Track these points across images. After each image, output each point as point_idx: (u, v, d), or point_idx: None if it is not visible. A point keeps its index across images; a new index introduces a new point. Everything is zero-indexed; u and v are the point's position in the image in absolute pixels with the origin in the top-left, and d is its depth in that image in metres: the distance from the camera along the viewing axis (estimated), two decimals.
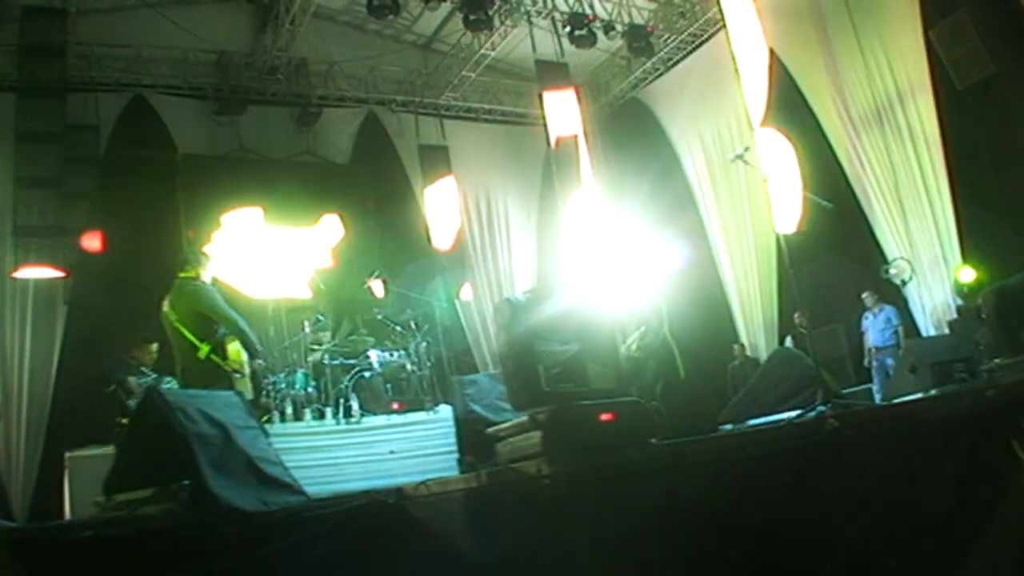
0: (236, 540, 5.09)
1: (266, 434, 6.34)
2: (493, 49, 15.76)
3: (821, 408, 7.13)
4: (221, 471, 5.49)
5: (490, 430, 5.81)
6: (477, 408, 8.39)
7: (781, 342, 14.43)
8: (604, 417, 5.41)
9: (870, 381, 12.90)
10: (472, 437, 8.28)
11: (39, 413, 12.68)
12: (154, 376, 9.85)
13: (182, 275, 8.24)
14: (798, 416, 7.30)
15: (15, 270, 12.60)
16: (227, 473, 5.52)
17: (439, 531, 5.29)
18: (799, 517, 4.82)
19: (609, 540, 4.81)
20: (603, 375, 6.04)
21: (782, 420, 7.41)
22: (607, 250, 14.16)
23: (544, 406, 5.33)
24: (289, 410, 10.15)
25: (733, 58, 13.45)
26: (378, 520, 5.41)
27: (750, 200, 15.12)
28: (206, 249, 8.69)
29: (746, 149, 9.22)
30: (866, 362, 13.23)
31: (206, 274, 8.33)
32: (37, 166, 12.83)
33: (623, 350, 9.47)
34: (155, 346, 10.06)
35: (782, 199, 12.05)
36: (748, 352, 15.28)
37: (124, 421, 9.07)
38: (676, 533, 4.85)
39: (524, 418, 5.37)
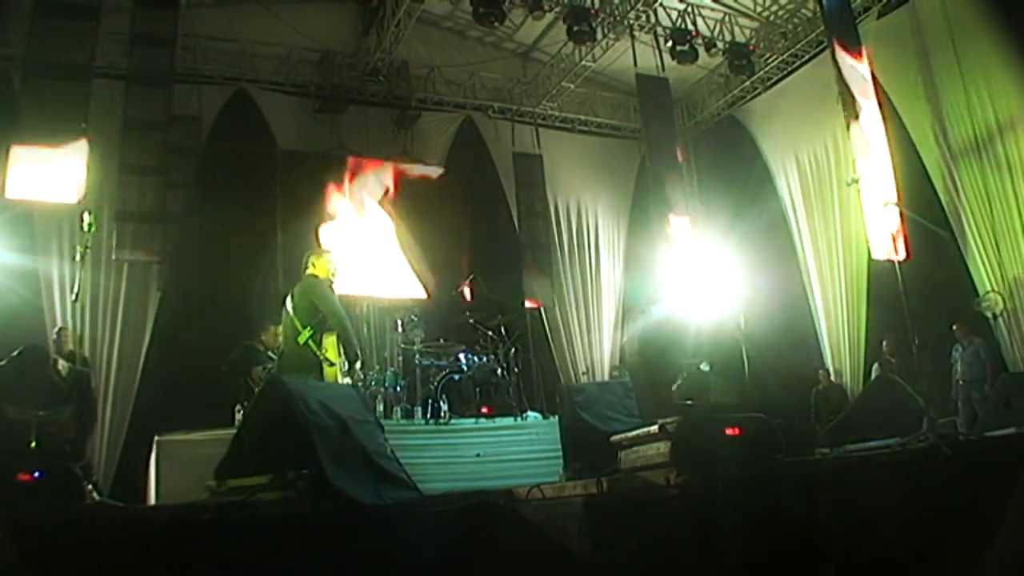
0: (351, 531, 5.12)
1: (382, 429, 6.39)
2: (594, 61, 15.73)
3: (925, 436, 7.04)
4: (338, 462, 5.53)
5: (614, 438, 5.79)
6: (586, 416, 8.34)
7: (867, 369, 14.24)
8: (730, 431, 5.38)
9: (955, 414, 12.67)
10: (579, 444, 8.23)
11: (125, 396, 12.84)
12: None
13: (307, 272, 8.67)
14: (905, 443, 7.18)
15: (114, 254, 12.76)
16: (344, 464, 5.57)
17: (553, 535, 5.28)
18: (912, 542, 4.79)
19: (732, 553, 4.77)
20: (726, 390, 6.01)
21: (890, 444, 7.31)
22: (698, 268, 14.07)
23: (672, 417, 5.30)
24: (380, 408, 10.21)
25: (837, 81, 13.35)
26: (490, 520, 5.41)
27: (843, 224, 14.94)
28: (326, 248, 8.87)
29: (861, 175, 9.18)
30: (952, 394, 12.99)
31: (330, 272, 8.70)
32: (141, 154, 13.00)
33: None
34: (280, 327, 10.31)
35: (882, 225, 11.91)
36: (832, 378, 15.08)
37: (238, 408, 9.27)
38: (795, 550, 4.82)
39: (652, 427, 5.34)
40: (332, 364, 8.13)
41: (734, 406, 6.04)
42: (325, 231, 13.63)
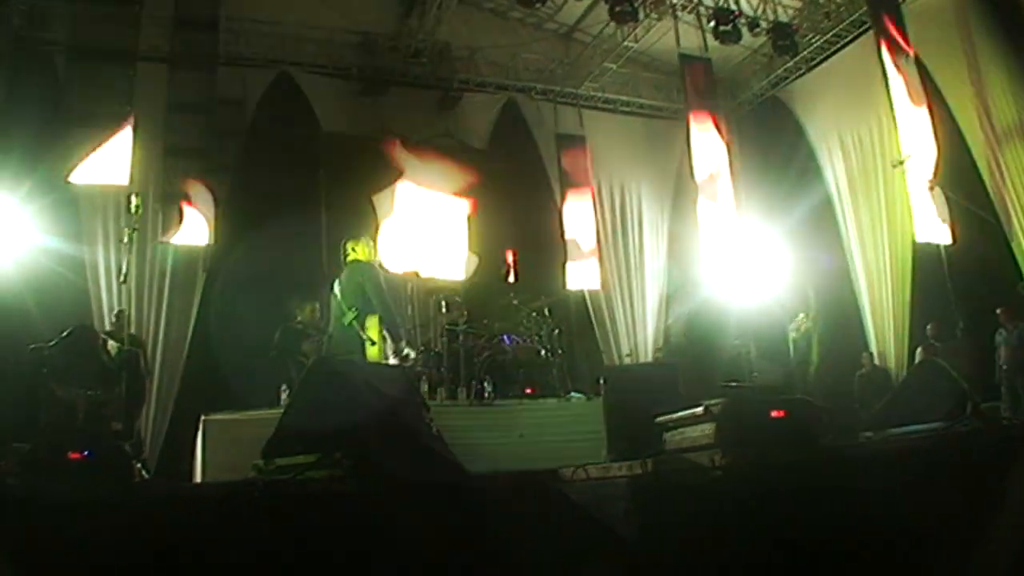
0: (397, 510, 5.13)
1: (427, 409, 6.41)
2: (636, 41, 15.63)
3: (969, 420, 7.00)
4: (385, 441, 5.56)
5: (659, 419, 5.79)
6: (630, 397, 8.33)
7: (911, 353, 14.11)
8: (775, 413, 5.36)
9: (999, 398, 12.55)
10: (623, 426, 8.23)
11: (172, 376, 12.98)
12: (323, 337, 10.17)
13: (348, 259, 8.94)
14: (949, 427, 7.14)
15: (160, 236, 12.88)
16: (390, 444, 5.59)
17: (598, 516, 5.28)
18: (955, 525, 4.77)
19: (776, 534, 4.77)
20: (770, 372, 6.02)
21: (934, 428, 7.27)
22: (742, 251, 14.02)
23: (717, 399, 5.30)
24: (424, 388, 10.23)
25: (880, 61, 13.22)
26: (535, 501, 5.42)
27: (888, 207, 14.78)
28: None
29: (906, 157, 9.12)
30: (996, 378, 12.84)
31: (371, 255, 8.97)
32: (185, 136, 13.09)
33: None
34: (316, 304, 10.46)
35: (927, 208, 11.81)
36: (876, 362, 14.94)
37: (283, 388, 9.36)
38: (840, 532, 4.81)
39: (697, 409, 5.33)
40: (374, 343, 8.25)
41: (779, 388, 6.05)
42: (379, 199, 13.80)
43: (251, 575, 4.62)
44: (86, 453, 6.06)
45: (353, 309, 8.47)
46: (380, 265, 8.83)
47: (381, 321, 8.55)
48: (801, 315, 10.01)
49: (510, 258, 12.49)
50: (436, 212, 14.46)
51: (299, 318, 10.83)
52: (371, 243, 8.99)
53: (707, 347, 5.71)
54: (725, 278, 13.62)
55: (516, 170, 15.89)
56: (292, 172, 14.12)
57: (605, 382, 9.31)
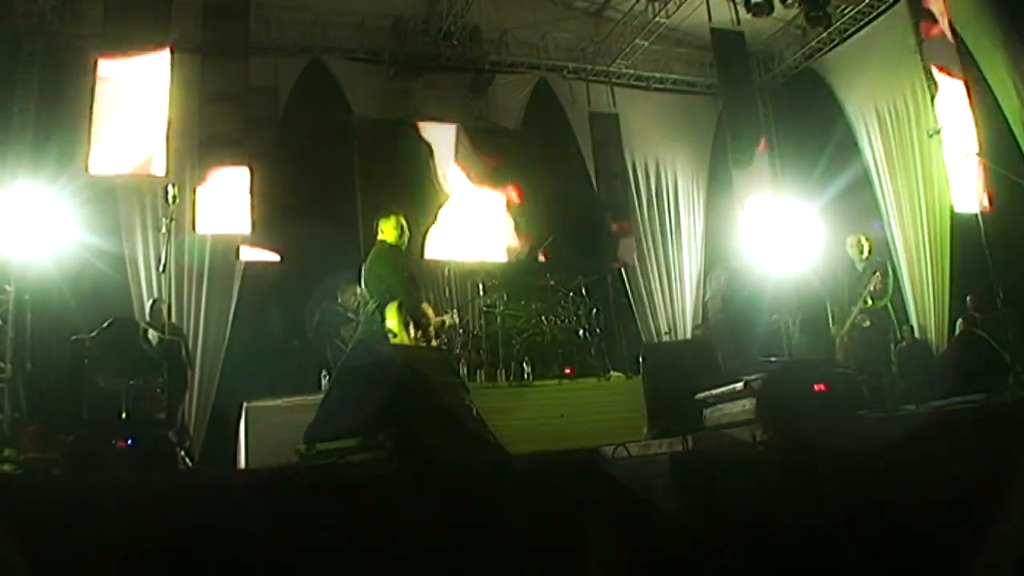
0: (440, 491, 5.14)
1: (467, 391, 6.42)
2: (667, 17, 15.49)
3: (1011, 390, 6.96)
4: (426, 423, 5.59)
5: (699, 396, 5.78)
6: (669, 374, 8.31)
7: (952, 325, 13.98)
8: (817, 387, 5.33)
9: None
10: (663, 403, 8.21)
11: (213, 363, 13.07)
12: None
13: (377, 238, 8.71)
14: (991, 398, 7.09)
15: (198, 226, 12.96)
16: (432, 425, 5.62)
17: (640, 494, 5.26)
18: (998, 494, 4.74)
19: (821, 508, 4.74)
20: (809, 346, 5.99)
21: (976, 400, 7.22)
22: (779, 226, 13.93)
23: (757, 373, 5.27)
24: (463, 370, 10.27)
25: (915, 30, 13.12)
26: (576, 480, 5.41)
27: (925, 177, 14.63)
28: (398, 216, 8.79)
29: (942, 127, 9.06)
30: None
31: (396, 234, 8.63)
32: (220, 126, 13.15)
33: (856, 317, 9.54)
34: (358, 288, 10.47)
35: (965, 177, 11.69)
36: (917, 334, 14.81)
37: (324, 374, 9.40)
38: (883, 505, 4.77)
39: (737, 384, 5.31)
40: (395, 335, 8.11)
41: (819, 362, 6.03)
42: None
43: (297, 560, 4.64)
44: (130, 442, 6.13)
45: (374, 298, 8.26)
46: (398, 250, 8.58)
47: (400, 308, 8.15)
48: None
49: (542, 252, 12.48)
50: (478, 194, 14.50)
51: (340, 300, 10.84)
52: (400, 220, 8.71)
53: (746, 322, 5.69)
54: (763, 252, 13.55)
55: (551, 150, 15.85)
56: (327, 158, 14.22)
57: (644, 360, 9.28)
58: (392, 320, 8.10)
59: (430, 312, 8.25)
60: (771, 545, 4.77)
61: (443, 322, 8.67)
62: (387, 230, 8.66)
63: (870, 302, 9.84)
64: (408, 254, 8.88)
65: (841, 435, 5.19)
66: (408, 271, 8.67)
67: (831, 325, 9.22)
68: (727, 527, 4.82)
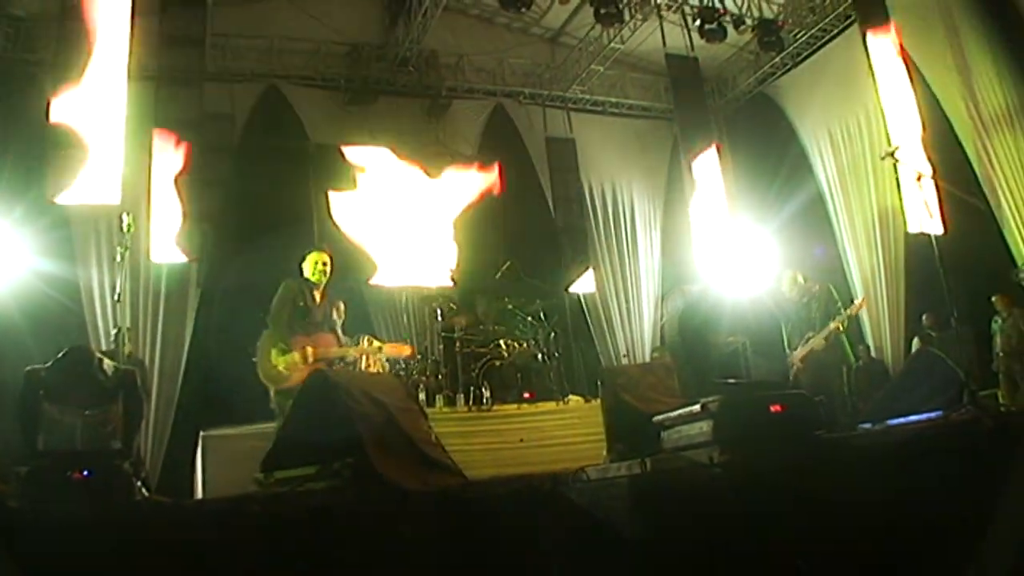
0: (398, 518, 5.14)
1: (425, 416, 6.42)
2: (622, 43, 15.65)
3: (967, 408, 7.02)
4: (384, 450, 5.58)
5: (656, 418, 5.80)
6: (627, 398, 8.33)
7: (908, 344, 14.15)
8: (774, 408, 5.37)
9: (996, 386, 12.59)
10: (622, 426, 8.22)
11: (170, 393, 12.96)
12: None
13: None
14: (948, 416, 7.16)
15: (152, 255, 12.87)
16: (389, 452, 5.62)
17: (600, 517, 5.28)
18: (956, 513, 4.80)
19: (778, 530, 4.77)
20: (765, 368, 6.02)
21: (933, 418, 7.30)
22: (735, 248, 14.04)
23: (714, 395, 5.31)
24: (422, 396, 10.25)
25: (866, 53, 13.35)
26: (536, 505, 5.42)
27: (878, 199, 14.82)
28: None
29: (895, 148, 9.22)
30: (993, 366, 12.90)
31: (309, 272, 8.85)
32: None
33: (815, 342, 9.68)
34: (342, 305, 10.50)
35: (917, 198, 11.85)
36: (873, 354, 14.97)
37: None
38: (843, 525, 4.82)
39: (694, 407, 5.35)
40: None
41: (775, 384, 6.06)
42: (336, 198, 13.77)
43: None
44: (86, 473, 6.07)
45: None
46: (297, 289, 8.75)
47: (270, 338, 8.59)
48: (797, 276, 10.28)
49: (502, 274, 12.51)
50: (420, 217, 14.47)
51: None
52: (309, 260, 8.90)
53: (702, 344, 5.74)
54: (718, 275, 13.64)
55: (507, 174, 15.87)
56: (283, 185, 14.14)
57: (602, 383, 9.32)
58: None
59: (308, 350, 8.28)
60: (730, 566, 4.79)
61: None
62: (303, 267, 8.87)
63: (832, 325, 10.00)
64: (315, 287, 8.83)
65: (798, 456, 5.23)
66: (303, 304, 8.72)
67: (786, 348, 9.31)
68: (686, 549, 4.84)
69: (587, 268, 16.03)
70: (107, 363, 10.10)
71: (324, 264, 8.83)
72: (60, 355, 9.56)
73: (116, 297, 10.18)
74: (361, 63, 15.29)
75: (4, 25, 13.14)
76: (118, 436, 8.90)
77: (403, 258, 13.65)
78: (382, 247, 13.49)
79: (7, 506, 5.79)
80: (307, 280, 8.77)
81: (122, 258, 9.02)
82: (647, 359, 15.40)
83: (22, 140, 12.46)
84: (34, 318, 11.58)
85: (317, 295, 8.76)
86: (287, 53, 15.02)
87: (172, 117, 13.06)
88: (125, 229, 8.75)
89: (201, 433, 10.63)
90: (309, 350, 8.26)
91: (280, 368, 8.35)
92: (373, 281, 12.85)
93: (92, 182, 11.71)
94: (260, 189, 13.86)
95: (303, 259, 8.89)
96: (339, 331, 8.77)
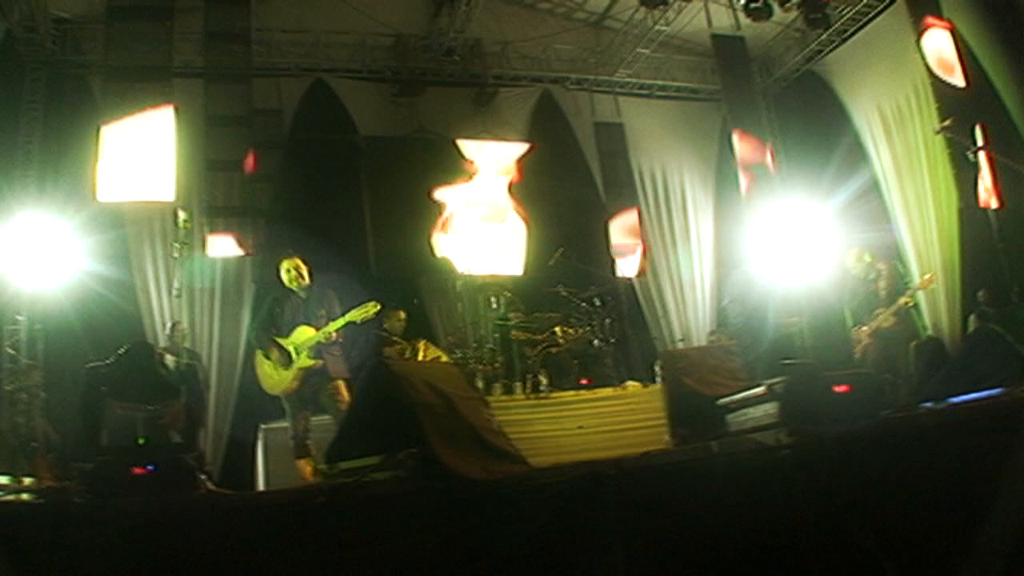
0: (463, 507, 5.13)
1: (487, 404, 6.41)
2: (667, 25, 15.50)
3: None
4: (447, 439, 5.56)
5: (721, 401, 5.75)
6: (689, 381, 8.28)
7: (964, 321, 13.94)
8: (839, 389, 5.30)
9: None
10: (684, 410, 8.17)
11: (228, 387, 13.06)
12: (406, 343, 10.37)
13: None
14: (1009, 392, 7.05)
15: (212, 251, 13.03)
16: (453, 442, 5.59)
17: (665, 502, 5.24)
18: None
19: (848, 511, 4.72)
20: (827, 348, 5.98)
21: (995, 395, 7.19)
22: (789, 229, 13.91)
23: (779, 377, 5.25)
24: (480, 384, 10.24)
25: (914, 28, 13.15)
26: (601, 490, 5.38)
27: (931, 174, 14.59)
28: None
29: (948, 123, 9.08)
30: None
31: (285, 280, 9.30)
32: (226, 149, 13.22)
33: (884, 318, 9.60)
34: (403, 313, 10.58)
35: (971, 173, 11.68)
36: (930, 333, 14.76)
37: None
38: (910, 505, 4.76)
39: (759, 388, 5.29)
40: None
41: (840, 363, 6.01)
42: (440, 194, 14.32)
43: None
44: (150, 467, 6.09)
45: None
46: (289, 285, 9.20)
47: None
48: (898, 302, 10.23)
49: (556, 260, 12.52)
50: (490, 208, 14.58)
51: (385, 326, 10.93)
52: (282, 268, 9.31)
53: (765, 326, 5.71)
54: (774, 256, 13.52)
55: (557, 161, 15.83)
56: (333, 178, 14.20)
57: (663, 367, 9.26)
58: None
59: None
60: (799, 549, 4.74)
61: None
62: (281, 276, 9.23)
63: (901, 300, 9.91)
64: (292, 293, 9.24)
65: (865, 436, 5.16)
66: (287, 308, 9.15)
67: (848, 328, 9.25)
68: (754, 532, 4.79)
69: (640, 253, 15.95)
70: (168, 358, 10.27)
71: (296, 269, 9.19)
72: (121, 351, 9.73)
73: (175, 293, 10.31)
74: (407, 54, 15.30)
75: (51, 28, 13.25)
76: (181, 430, 9.05)
77: (483, 247, 13.89)
78: (470, 237, 13.72)
79: (72, 502, 5.84)
80: (286, 288, 9.18)
81: (179, 254, 9.15)
82: (703, 343, 15.29)
83: (73, 142, 12.63)
84: (91, 316, 11.74)
85: (299, 299, 9.15)
86: (333, 46, 15.05)
87: (221, 113, 13.19)
88: (181, 224, 8.88)
89: (261, 426, 10.72)
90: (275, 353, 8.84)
91: (264, 379, 8.98)
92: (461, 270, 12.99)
93: (145, 180, 11.86)
94: (310, 183, 13.94)
95: (277, 269, 9.27)
96: (321, 322, 8.99)
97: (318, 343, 8.76)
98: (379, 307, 8.96)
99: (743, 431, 5.47)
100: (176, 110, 12.36)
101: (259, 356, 9.03)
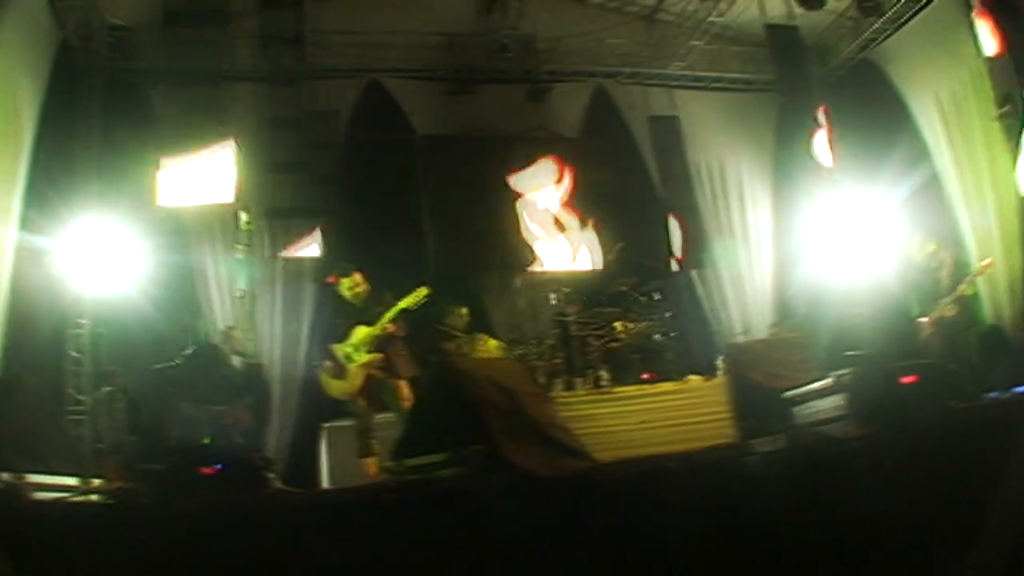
0: (530, 503, 5.14)
1: (551, 401, 6.42)
2: (720, 16, 15.39)
3: None
4: (511, 436, 5.58)
5: (787, 394, 5.72)
6: (753, 375, 8.25)
7: None
8: (906, 379, 5.25)
9: None
10: (749, 404, 8.15)
11: (291, 387, 13.14)
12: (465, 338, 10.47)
13: None
14: None
15: (274, 253, 13.16)
16: (517, 438, 5.61)
17: (733, 496, 5.22)
18: None
19: (920, 503, 4.67)
20: (892, 338, 5.92)
21: None
22: (848, 219, 13.78)
23: (845, 368, 5.22)
24: (541, 381, 10.25)
25: (968, 13, 12.96)
26: (667, 485, 5.38)
27: (990, 162, 14.36)
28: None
29: (1005, 109, 8.96)
30: None
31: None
32: (284, 152, 13.35)
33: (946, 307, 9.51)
34: (464, 310, 10.64)
35: None
36: (991, 321, 14.52)
37: None
38: (984, 493, 4.70)
39: (826, 380, 5.26)
40: None
41: (907, 353, 5.95)
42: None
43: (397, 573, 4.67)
44: (218, 467, 6.18)
45: None
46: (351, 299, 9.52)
47: None
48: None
49: (613, 256, 12.52)
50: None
51: (447, 322, 11.02)
52: (347, 281, 9.69)
53: (827, 318, 5.65)
54: (834, 247, 13.40)
55: (613, 156, 15.78)
56: (391, 177, 14.28)
57: (727, 361, 9.24)
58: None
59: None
60: (870, 542, 4.70)
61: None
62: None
63: (961, 288, 9.81)
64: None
65: (934, 426, 5.11)
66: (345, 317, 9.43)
67: (913, 318, 9.16)
68: (823, 524, 4.76)
69: (697, 246, 15.87)
70: (235, 359, 10.38)
71: (356, 285, 9.56)
72: (188, 353, 9.86)
73: (239, 294, 10.43)
74: (459, 52, 15.32)
75: (107, 36, 13.44)
76: (248, 430, 9.15)
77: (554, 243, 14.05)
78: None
79: (141, 503, 5.93)
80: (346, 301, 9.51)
81: (241, 255, 9.26)
82: (764, 336, 15.17)
83: (131, 147, 12.80)
84: (153, 320, 11.90)
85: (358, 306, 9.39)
86: (386, 46, 15.03)
87: (278, 116, 13.33)
88: (243, 226, 8.99)
89: (324, 425, 10.81)
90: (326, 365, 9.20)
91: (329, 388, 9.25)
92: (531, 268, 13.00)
93: (205, 183, 12.01)
94: (368, 183, 14.01)
95: (337, 286, 9.71)
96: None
97: (375, 337, 8.85)
98: (428, 291, 9.05)
99: (810, 423, 5.44)
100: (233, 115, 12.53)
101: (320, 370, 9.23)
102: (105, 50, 13.47)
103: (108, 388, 10.68)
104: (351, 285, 9.32)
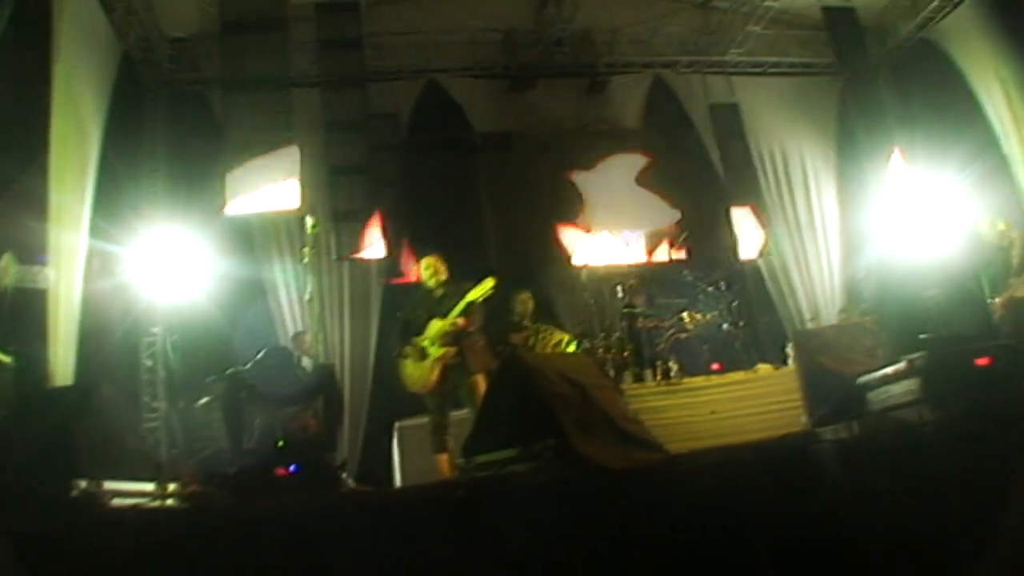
0: (603, 496, 5.14)
1: (621, 393, 6.41)
2: (776, 1, 15.24)
3: None
4: (583, 429, 5.58)
5: (861, 379, 5.66)
6: (825, 360, 8.16)
7: None
8: (980, 362, 5.17)
9: None
10: (821, 390, 8.06)
11: (361, 387, 13.30)
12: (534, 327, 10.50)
13: None
14: None
15: (341, 255, 13.30)
16: (589, 431, 5.61)
17: (807, 483, 5.18)
18: None
19: (1000, 487, 4.60)
20: (966, 320, 5.82)
21: None
22: (915, 202, 13.61)
23: (918, 352, 5.15)
24: (610, 373, 10.25)
25: None
26: (741, 475, 5.35)
27: None
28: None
29: None
30: None
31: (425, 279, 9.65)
32: (346, 155, 13.48)
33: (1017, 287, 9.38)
34: (527, 294, 10.68)
35: None
36: None
37: None
38: None
39: (900, 364, 5.19)
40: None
41: (980, 335, 5.83)
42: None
43: (475, 570, 4.69)
44: (292, 469, 6.25)
45: None
46: (427, 285, 9.57)
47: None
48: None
49: (679, 247, 12.47)
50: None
51: (516, 311, 11.04)
52: (426, 263, 9.70)
53: (903, 300, 5.60)
54: (902, 230, 13.24)
55: (674, 145, 15.71)
56: (452, 176, 14.37)
57: (796, 347, 9.16)
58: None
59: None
60: (949, 528, 4.64)
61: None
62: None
63: None
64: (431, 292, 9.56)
65: (1011, 409, 5.02)
66: (424, 309, 9.46)
67: (986, 298, 9.02)
68: (901, 511, 4.71)
69: (763, 234, 15.74)
70: (306, 361, 10.50)
71: (434, 266, 9.52)
72: (260, 356, 9.98)
73: (308, 297, 10.55)
74: (516, 48, 15.31)
75: (167, 48, 13.65)
76: (321, 431, 9.24)
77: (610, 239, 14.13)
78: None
79: (217, 507, 6.00)
80: (423, 289, 9.58)
81: (308, 259, 9.36)
82: (833, 321, 15.01)
83: (196, 157, 13.00)
84: (223, 326, 12.08)
85: (434, 298, 9.42)
86: (443, 46, 15.13)
87: (339, 119, 13.46)
88: (310, 230, 9.08)
89: (396, 424, 10.89)
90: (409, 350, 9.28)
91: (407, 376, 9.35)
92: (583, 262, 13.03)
93: (270, 190, 12.16)
94: (430, 183, 14.11)
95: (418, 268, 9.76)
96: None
97: (448, 331, 8.90)
98: (495, 282, 9.05)
99: (885, 409, 5.37)
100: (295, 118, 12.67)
101: (401, 359, 9.29)
102: (166, 62, 13.73)
103: (206, 398, 10.83)
104: (428, 264, 9.38)
